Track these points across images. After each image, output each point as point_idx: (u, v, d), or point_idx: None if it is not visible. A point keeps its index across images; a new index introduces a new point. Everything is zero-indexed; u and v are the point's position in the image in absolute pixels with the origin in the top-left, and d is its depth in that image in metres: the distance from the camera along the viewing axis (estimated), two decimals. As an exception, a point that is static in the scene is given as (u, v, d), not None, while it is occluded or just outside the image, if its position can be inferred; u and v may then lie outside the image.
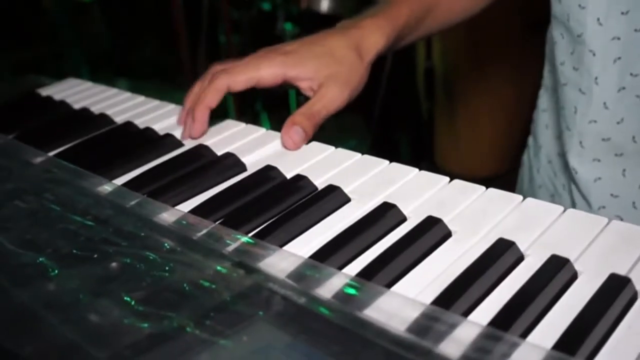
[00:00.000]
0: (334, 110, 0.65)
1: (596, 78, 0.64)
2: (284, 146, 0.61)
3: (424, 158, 1.95)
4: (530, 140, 0.85)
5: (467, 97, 1.89)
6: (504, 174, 1.77)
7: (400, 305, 0.37)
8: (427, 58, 1.84)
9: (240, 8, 2.24)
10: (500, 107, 1.86)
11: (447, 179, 0.52)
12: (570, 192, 0.74)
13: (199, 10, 2.25)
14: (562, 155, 0.75)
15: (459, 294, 0.38)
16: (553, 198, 0.79)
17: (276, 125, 0.65)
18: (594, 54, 0.63)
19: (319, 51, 0.66)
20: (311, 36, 0.69)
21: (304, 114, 0.63)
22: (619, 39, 0.62)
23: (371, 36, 0.68)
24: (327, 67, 0.65)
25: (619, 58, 0.62)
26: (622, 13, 0.61)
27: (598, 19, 0.62)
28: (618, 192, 0.68)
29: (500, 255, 0.41)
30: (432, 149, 1.95)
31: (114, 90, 0.80)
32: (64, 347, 0.34)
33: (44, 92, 0.82)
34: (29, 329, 0.35)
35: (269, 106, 2.44)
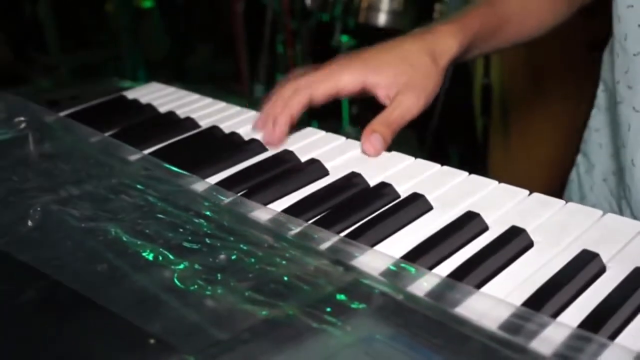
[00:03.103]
0: (410, 117, 0.67)
1: None
2: (365, 153, 0.63)
3: (477, 174, 1.96)
4: (580, 158, 0.87)
5: (523, 115, 1.89)
6: (557, 192, 1.78)
7: (491, 305, 0.39)
8: (484, 75, 1.85)
9: (300, 19, 2.29)
10: (556, 127, 1.86)
11: (527, 192, 0.54)
12: (620, 210, 0.76)
13: (260, 20, 2.31)
14: (617, 174, 0.77)
15: (547, 299, 0.40)
16: None
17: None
18: None
19: (395, 57, 0.68)
20: (387, 42, 0.71)
21: (382, 122, 0.65)
22: None
23: (445, 41, 0.70)
24: (404, 74, 0.67)
25: None
26: None
27: None
28: None
29: (584, 266, 0.43)
30: (486, 166, 1.96)
31: (195, 96, 0.84)
32: (188, 326, 0.37)
33: (130, 95, 0.87)
34: (154, 309, 0.39)
35: (320, 116, 2.48)
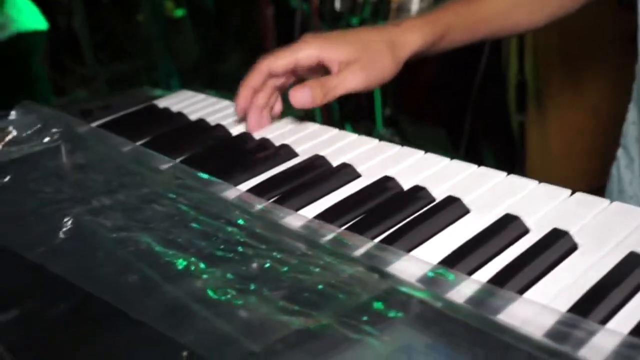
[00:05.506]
0: (349, 88, 0.69)
1: None
2: (290, 100, 0.67)
3: (515, 172, 1.92)
4: (620, 152, 0.85)
5: (560, 109, 1.86)
6: (596, 188, 1.74)
7: (535, 312, 0.38)
8: (519, 72, 1.82)
9: (329, 21, 2.28)
10: (595, 119, 1.82)
11: (569, 191, 0.52)
12: None
13: (290, 24, 2.30)
14: None
15: (594, 304, 0.39)
16: None
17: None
18: None
19: (354, 40, 0.71)
20: (354, 28, 0.75)
21: (318, 81, 0.68)
22: None
23: (408, 34, 0.73)
24: (356, 54, 0.70)
25: None
26: None
27: None
28: None
29: (632, 270, 0.41)
30: (522, 164, 1.93)
31: (225, 102, 0.84)
32: (220, 338, 0.36)
33: (161, 103, 0.87)
34: (186, 320, 0.38)
35: (353, 118, 2.47)
